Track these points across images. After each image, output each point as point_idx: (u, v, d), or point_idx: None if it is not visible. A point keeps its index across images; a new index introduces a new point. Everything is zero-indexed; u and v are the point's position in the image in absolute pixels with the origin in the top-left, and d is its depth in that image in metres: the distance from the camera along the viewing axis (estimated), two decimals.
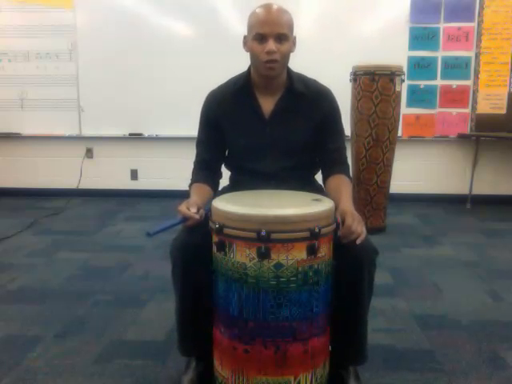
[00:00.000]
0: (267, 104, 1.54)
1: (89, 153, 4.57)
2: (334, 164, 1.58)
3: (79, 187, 4.57)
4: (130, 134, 4.43)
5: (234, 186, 1.64)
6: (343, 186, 1.49)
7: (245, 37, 1.50)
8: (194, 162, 1.64)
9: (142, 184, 4.61)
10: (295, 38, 1.49)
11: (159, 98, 4.29)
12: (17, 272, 2.59)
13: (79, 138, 4.50)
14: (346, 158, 1.62)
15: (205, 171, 1.60)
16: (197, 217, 1.33)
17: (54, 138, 4.50)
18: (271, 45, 1.40)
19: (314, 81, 1.61)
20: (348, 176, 1.57)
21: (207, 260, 1.32)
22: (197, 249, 1.36)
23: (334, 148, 1.58)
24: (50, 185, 4.58)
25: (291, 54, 1.51)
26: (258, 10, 1.43)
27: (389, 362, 1.70)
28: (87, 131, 4.46)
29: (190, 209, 1.33)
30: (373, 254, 1.38)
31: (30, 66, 4.36)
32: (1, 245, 3.09)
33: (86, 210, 4.17)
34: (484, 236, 3.35)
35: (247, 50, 1.49)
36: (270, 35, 1.40)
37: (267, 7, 1.43)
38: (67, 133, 4.47)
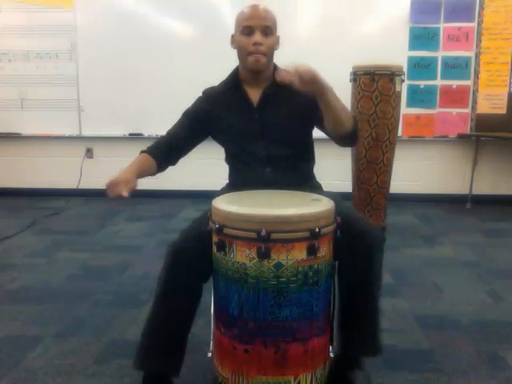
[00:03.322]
0: (255, 94, 1.60)
1: (89, 153, 4.57)
2: None
3: (79, 187, 4.56)
4: (130, 134, 4.43)
5: (232, 175, 1.70)
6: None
7: (232, 36, 1.59)
8: (161, 136, 1.71)
9: (142, 184, 4.55)
10: (279, 37, 1.57)
11: (159, 98, 4.28)
12: (17, 272, 2.59)
13: (79, 138, 4.50)
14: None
15: (164, 148, 1.67)
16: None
17: (54, 138, 4.49)
18: (258, 36, 1.49)
19: None
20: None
21: (199, 270, 1.34)
22: (190, 257, 1.34)
23: None
24: (50, 185, 4.58)
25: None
26: (244, 8, 1.54)
27: (389, 362, 1.69)
28: (87, 131, 4.46)
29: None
30: (380, 241, 1.41)
31: (30, 66, 4.36)
32: (1, 245, 3.09)
33: (86, 210, 4.17)
34: (484, 236, 3.35)
35: (235, 47, 1.58)
36: (257, 28, 1.49)
37: (254, 5, 1.53)
38: (67, 133, 4.47)
